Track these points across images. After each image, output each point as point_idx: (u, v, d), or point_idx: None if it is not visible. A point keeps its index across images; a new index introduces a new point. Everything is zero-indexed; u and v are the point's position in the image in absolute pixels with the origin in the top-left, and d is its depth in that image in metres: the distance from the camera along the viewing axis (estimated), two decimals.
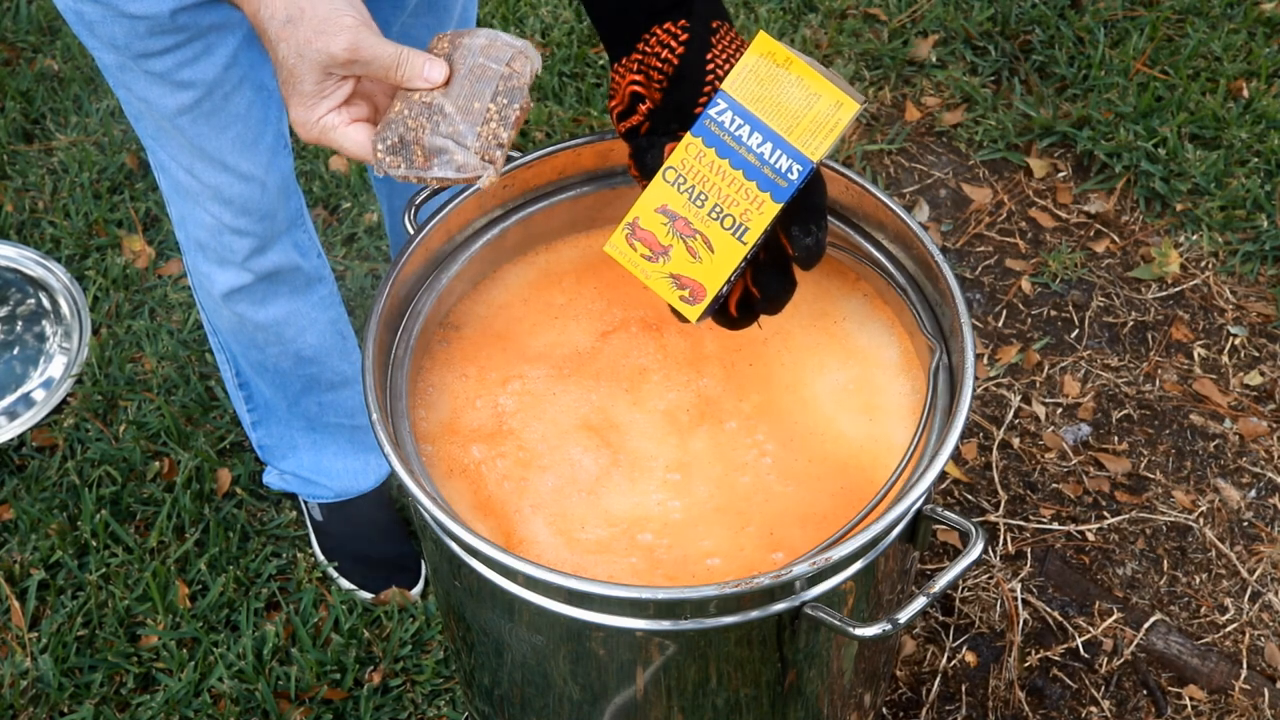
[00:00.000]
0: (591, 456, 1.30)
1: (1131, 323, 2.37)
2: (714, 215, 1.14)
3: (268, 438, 1.98)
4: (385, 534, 2.05)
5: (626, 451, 1.31)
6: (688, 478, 1.29)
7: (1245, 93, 2.67)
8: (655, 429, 1.32)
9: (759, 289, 1.19)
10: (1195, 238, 2.48)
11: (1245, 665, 1.94)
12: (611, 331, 1.40)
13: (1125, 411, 2.25)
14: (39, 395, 2.28)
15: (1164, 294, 2.41)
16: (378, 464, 2.02)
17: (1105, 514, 2.11)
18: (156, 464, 2.15)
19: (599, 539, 1.24)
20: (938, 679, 1.93)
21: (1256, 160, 2.56)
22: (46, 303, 2.42)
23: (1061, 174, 2.61)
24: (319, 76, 1.09)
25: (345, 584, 2.01)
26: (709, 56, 1.18)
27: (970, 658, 1.95)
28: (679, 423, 1.33)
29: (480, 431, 1.32)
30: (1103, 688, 1.92)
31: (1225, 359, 2.32)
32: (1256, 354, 2.32)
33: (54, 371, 2.32)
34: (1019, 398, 2.25)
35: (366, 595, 2.00)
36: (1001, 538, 2.08)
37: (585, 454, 1.30)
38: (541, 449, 1.31)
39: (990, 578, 2.02)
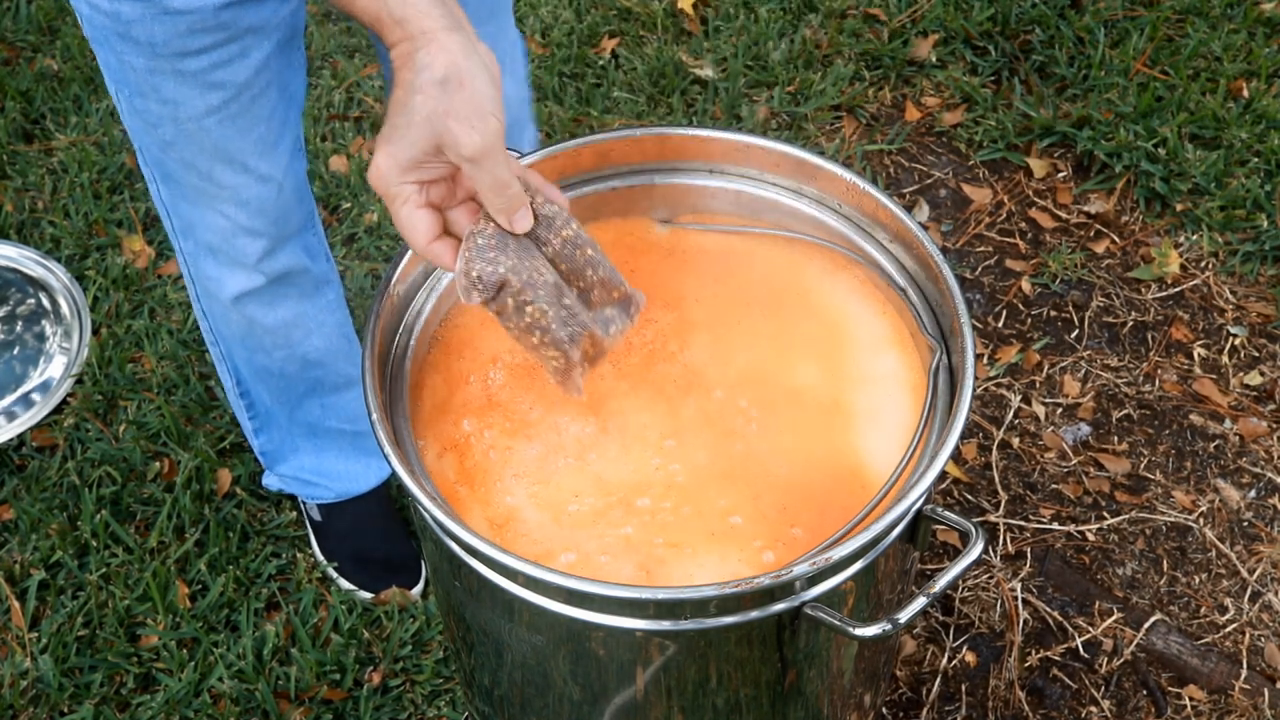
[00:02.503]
0: (579, 425, 1.31)
1: (1131, 323, 2.37)
2: None
3: (269, 444, 1.98)
4: (385, 534, 2.05)
5: (615, 421, 1.32)
6: (683, 444, 1.30)
7: (1245, 93, 2.67)
8: (645, 402, 1.33)
9: None
10: (1195, 238, 2.48)
11: (1245, 665, 1.94)
12: None
13: (1125, 411, 2.25)
14: (39, 395, 2.28)
15: (1164, 294, 2.41)
16: (378, 466, 2.02)
17: (1105, 514, 2.11)
18: (156, 464, 2.15)
19: (593, 507, 1.25)
20: (938, 679, 1.93)
21: (1256, 160, 2.56)
22: (46, 303, 2.42)
23: (1061, 174, 2.61)
24: (428, 153, 1.07)
25: (345, 584, 2.01)
26: None
27: (970, 658, 1.95)
28: (669, 396, 1.34)
29: (469, 406, 1.32)
30: (1103, 688, 1.92)
31: (1225, 359, 2.32)
32: (1256, 354, 2.32)
33: (54, 371, 2.32)
34: (1019, 398, 2.25)
35: (366, 595, 2.00)
36: (1001, 538, 2.08)
37: (573, 423, 1.31)
38: (530, 419, 1.32)
39: (990, 578, 2.02)
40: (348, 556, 2.03)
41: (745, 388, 1.34)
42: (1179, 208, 2.52)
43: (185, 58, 1.39)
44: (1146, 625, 1.97)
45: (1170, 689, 1.92)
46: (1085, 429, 2.22)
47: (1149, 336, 2.35)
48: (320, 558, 2.04)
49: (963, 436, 2.15)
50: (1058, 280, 2.43)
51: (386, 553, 2.04)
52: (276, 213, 1.60)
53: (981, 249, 2.50)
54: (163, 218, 1.67)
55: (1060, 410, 2.24)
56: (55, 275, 2.44)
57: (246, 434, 2.00)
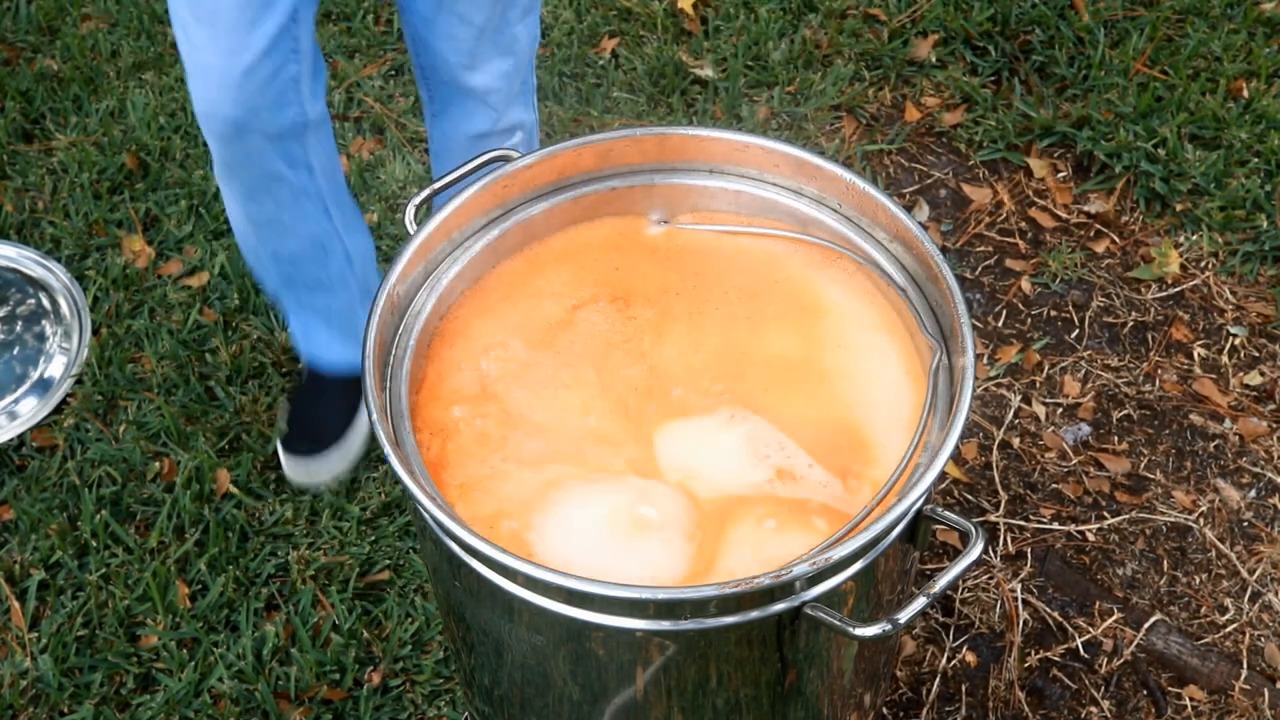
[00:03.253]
0: (578, 416, 1.32)
1: (1131, 323, 2.37)
2: None
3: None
4: (337, 415, 2.12)
5: (613, 414, 1.33)
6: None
7: (1245, 93, 2.67)
8: (644, 395, 1.34)
9: None
10: (1195, 238, 2.48)
11: (1245, 665, 1.94)
12: (581, 305, 1.42)
13: (1125, 411, 2.25)
14: (39, 395, 2.28)
15: (1164, 294, 2.41)
16: (341, 350, 2.09)
17: (1105, 514, 2.11)
18: (156, 464, 2.15)
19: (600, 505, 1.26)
20: (938, 679, 1.93)
21: (1256, 160, 2.56)
22: (46, 303, 2.42)
23: (1061, 174, 2.61)
24: None
25: (281, 454, 2.09)
26: None
27: (970, 658, 1.95)
28: (668, 389, 1.35)
29: (461, 394, 1.34)
30: (1103, 688, 1.92)
31: (1225, 359, 2.32)
32: (1256, 354, 2.32)
33: (54, 371, 2.32)
34: (1019, 398, 2.25)
35: (301, 475, 2.09)
36: (1001, 538, 2.08)
37: (573, 413, 1.32)
38: (525, 411, 1.32)
39: (990, 578, 2.02)
40: (295, 427, 2.11)
41: (745, 382, 1.35)
42: (1179, 208, 2.52)
43: None
44: (1146, 625, 1.97)
45: (1170, 689, 1.92)
46: (1085, 429, 2.22)
47: (1149, 336, 2.35)
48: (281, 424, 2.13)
49: (963, 436, 2.15)
50: (1058, 280, 2.43)
51: (334, 435, 2.10)
52: None
53: (981, 249, 2.50)
54: None
55: (1060, 410, 2.24)
56: (55, 275, 2.44)
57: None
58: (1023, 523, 2.10)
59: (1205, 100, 2.64)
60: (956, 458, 2.18)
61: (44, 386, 2.30)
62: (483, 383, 1.35)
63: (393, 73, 2.84)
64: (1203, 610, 2.01)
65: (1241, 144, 2.57)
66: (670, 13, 2.91)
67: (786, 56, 2.80)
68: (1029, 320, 2.38)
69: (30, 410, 2.26)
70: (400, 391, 1.31)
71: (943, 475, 2.11)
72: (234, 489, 2.12)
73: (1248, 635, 1.98)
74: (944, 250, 2.45)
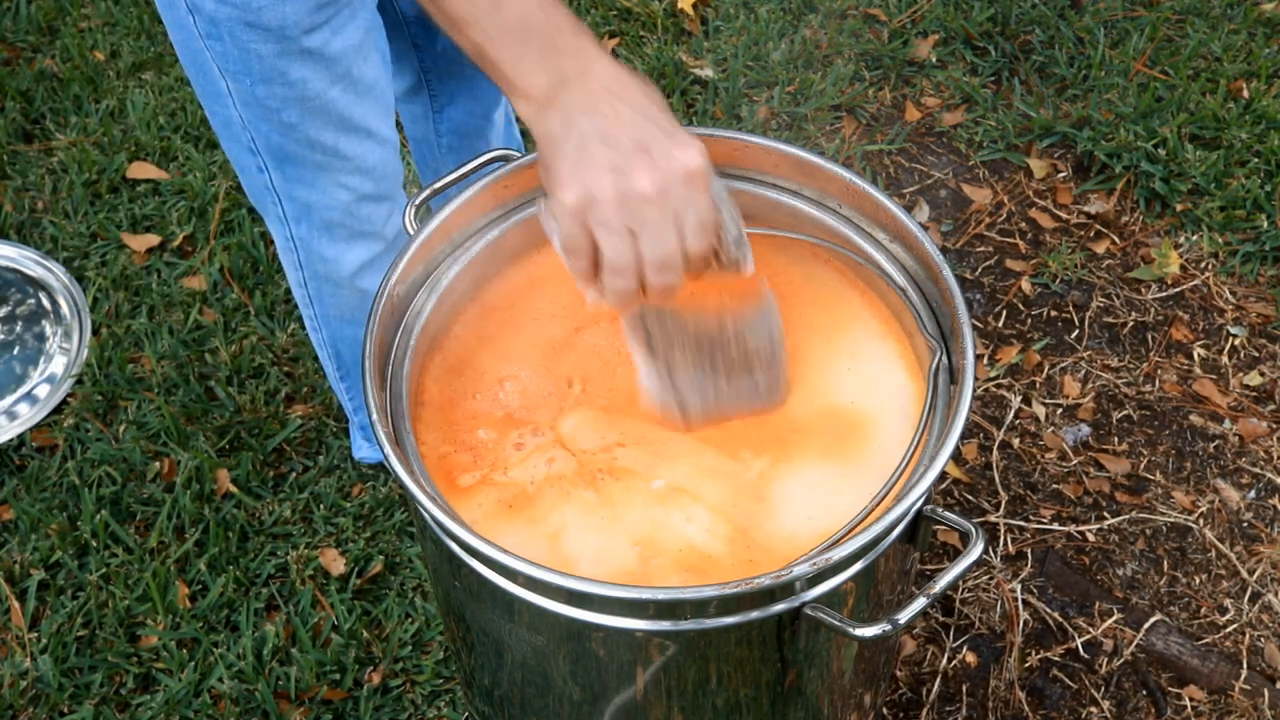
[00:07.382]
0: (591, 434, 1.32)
1: (1131, 323, 2.37)
2: None
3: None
4: None
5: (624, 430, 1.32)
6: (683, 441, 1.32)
7: (1245, 93, 2.67)
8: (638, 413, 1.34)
9: None
10: (1195, 238, 2.48)
11: (1245, 665, 1.94)
12: (583, 328, 1.41)
13: (1125, 412, 2.25)
14: (39, 395, 2.28)
15: (1164, 294, 2.41)
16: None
17: (1105, 514, 2.11)
18: (156, 464, 2.15)
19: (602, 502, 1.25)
20: (938, 679, 1.93)
21: (1256, 160, 2.56)
22: (46, 303, 2.42)
23: (1061, 174, 2.61)
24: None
25: None
26: None
27: (970, 658, 1.95)
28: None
29: (481, 419, 1.33)
30: (1103, 688, 1.92)
31: (1225, 359, 2.32)
32: (1256, 354, 2.32)
33: (54, 371, 2.32)
34: (1019, 398, 2.25)
35: None
36: (1002, 538, 2.08)
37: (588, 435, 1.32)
38: (537, 431, 1.33)
39: (990, 578, 2.02)
40: None
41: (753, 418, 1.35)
42: (1179, 208, 2.52)
43: (311, 33, 1.41)
44: (1146, 626, 1.97)
45: (1170, 689, 1.92)
46: (1085, 429, 2.22)
47: (1149, 337, 2.35)
48: None
49: (963, 436, 2.16)
50: (1058, 280, 2.43)
51: None
52: (393, 172, 1.63)
53: (981, 249, 2.50)
54: (268, 205, 1.64)
55: (1060, 411, 2.24)
56: (55, 275, 2.44)
57: (347, 412, 2.05)
58: (1023, 523, 2.10)
59: (1205, 100, 2.65)
60: (956, 458, 2.18)
61: (44, 386, 2.30)
62: (490, 404, 1.35)
63: None
64: (1203, 610, 2.01)
65: (1241, 144, 2.57)
66: (670, 13, 2.91)
67: (786, 56, 2.80)
68: (1029, 320, 2.38)
69: (30, 410, 2.26)
70: (401, 391, 1.31)
71: (943, 475, 2.11)
72: (234, 489, 2.12)
73: (1248, 635, 1.98)
74: (944, 250, 2.45)
